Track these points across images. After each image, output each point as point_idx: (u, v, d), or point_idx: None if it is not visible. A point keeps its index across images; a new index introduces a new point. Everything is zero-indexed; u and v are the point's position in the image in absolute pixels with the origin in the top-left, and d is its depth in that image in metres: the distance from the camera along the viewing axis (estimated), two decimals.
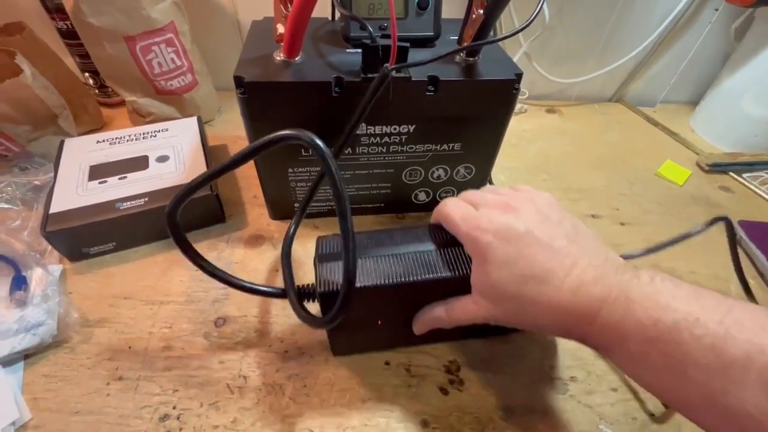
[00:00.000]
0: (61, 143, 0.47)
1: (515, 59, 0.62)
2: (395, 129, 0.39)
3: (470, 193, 0.31)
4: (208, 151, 0.48)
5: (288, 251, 0.37)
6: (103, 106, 0.62)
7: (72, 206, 0.39)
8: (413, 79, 0.35)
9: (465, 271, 0.28)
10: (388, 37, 0.33)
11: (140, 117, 0.55)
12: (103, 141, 0.48)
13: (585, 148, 0.61)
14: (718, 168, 0.57)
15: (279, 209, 0.46)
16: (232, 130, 0.60)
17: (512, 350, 0.36)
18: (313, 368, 0.34)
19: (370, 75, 0.34)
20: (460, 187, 0.46)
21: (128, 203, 0.40)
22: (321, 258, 0.31)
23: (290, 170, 0.41)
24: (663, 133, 0.65)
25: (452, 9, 0.61)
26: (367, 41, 0.33)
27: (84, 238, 0.40)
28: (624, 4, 0.60)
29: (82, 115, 0.56)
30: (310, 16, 0.32)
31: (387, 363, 0.34)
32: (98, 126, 0.58)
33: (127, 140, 0.48)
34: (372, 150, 0.40)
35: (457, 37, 0.41)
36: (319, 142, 0.24)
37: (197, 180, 0.27)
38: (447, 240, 0.30)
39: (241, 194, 0.50)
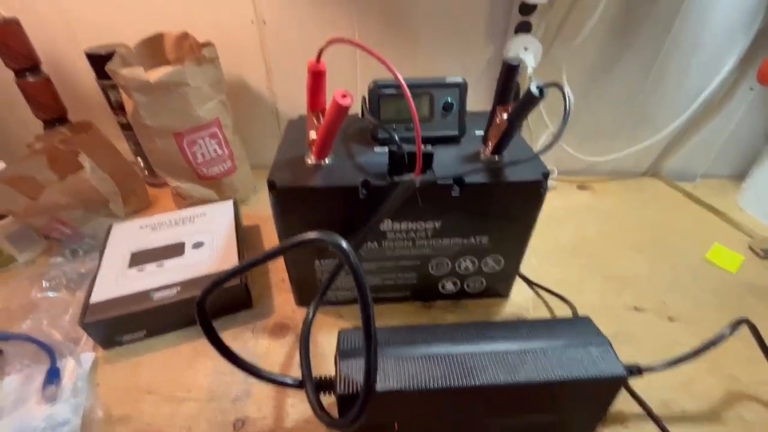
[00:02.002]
0: (109, 228, 0.51)
1: (542, 140, 0.63)
2: (421, 225, 0.39)
3: None
4: (241, 237, 0.49)
5: (306, 340, 0.36)
6: (151, 185, 0.67)
7: (110, 296, 0.41)
8: (439, 181, 0.35)
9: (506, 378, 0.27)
10: (414, 139, 0.35)
11: (182, 199, 0.59)
12: (146, 226, 0.51)
13: (623, 229, 0.58)
14: None
15: (305, 296, 0.46)
16: (266, 209, 0.61)
17: None
18: None
19: (396, 179, 0.35)
20: (488, 278, 0.44)
21: (162, 293, 0.42)
22: (342, 354, 0.30)
23: (317, 261, 0.42)
24: (707, 212, 0.62)
25: (478, 99, 0.63)
26: (394, 148, 0.35)
27: (118, 327, 0.41)
28: (651, 86, 0.60)
29: (131, 197, 0.61)
30: (340, 126, 0.34)
31: None
32: (144, 206, 0.63)
33: (168, 225, 0.51)
34: (397, 244, 0.40)
35: (482, 132, 0.42)
36: (345, 246, 0.24)
37: (226, 273, 0.28)
38: (481, 340, 0.30)
39: (269, 276, 0.51)
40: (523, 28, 0.53)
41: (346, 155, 0.39)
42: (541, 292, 0.48)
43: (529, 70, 0.52)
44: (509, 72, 0.34)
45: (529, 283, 0.48)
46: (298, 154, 0.39)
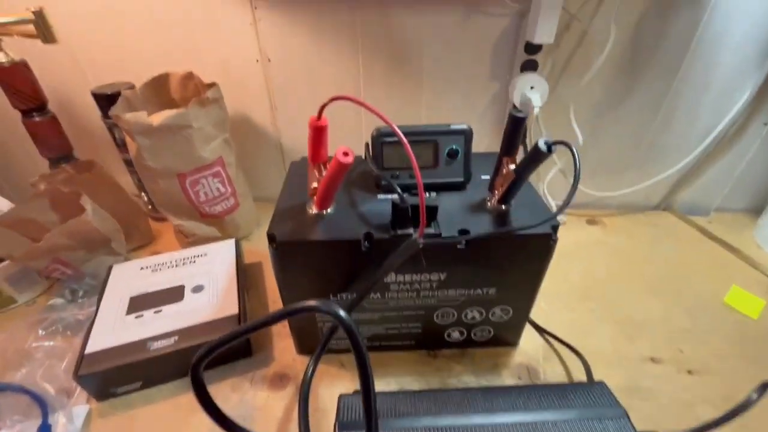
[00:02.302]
0: (109, 269, 0.50)
1: (549, 176, 0.61)
2: (425, 277, 0.37)
3: None
4: (242, 278, 0.48)
5: (305, 400, 0.36)
6: (154, 219, 0.66)
7: (106, 345, 0.40)
8: (443, 235, 0.34)
9: None
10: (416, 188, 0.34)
11: (184, 236, 0.58)
12: (146, 267, 0.50)
13: (635, 268, 0.56)
14: None
15: (306, 345, 0.44)
16: None
17: None
18: None
19: (400, 232, 0.34)
20: (496, 327, 0.43)
21: (159, 342, 0.40)
22: (342, 426, 0.29)
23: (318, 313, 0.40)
24: (723, 249, 0.60)
25: (484, 133, 0.62)
26: (397, 200, 0.34)
27: (113, 379, 0.40)
28: (661, 121, 0.59)
29: (134, 233, 0.60)
30: (341, 181, 0.33)
31: None
32: (147, 242, 0.62)
33: (168, 266, 0.50)
34: (401, 295, 0.39)
35: (488, 177, 0.41)
36: (344, 316, 0.24)
37: (220, 339, 0.27)
38: (491, 410, 0.28)
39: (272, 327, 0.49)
40: (529, 66, 0.53)
41: (349, 203, 0.39)
42: (552, 341, 0.46)
43: (536, 110, 0.51)
44: (516, 124, 0.33)
45: (539, 329, 0.47)
46: (299, 202, 0.39)
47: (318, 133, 0.32)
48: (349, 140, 0.60)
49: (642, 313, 0.50)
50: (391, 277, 0.37)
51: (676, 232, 0.64)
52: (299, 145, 0.66)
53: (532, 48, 0.51)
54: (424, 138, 0.38)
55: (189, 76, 0.54)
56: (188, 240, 0.58)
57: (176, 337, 0.41)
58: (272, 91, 0.60)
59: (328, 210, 0.37)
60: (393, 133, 0.38)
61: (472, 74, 0.57)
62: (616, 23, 0.49)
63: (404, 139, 0.28)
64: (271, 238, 0.35)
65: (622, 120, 0.59)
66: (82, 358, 0.39)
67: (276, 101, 0.61)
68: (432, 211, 0.33)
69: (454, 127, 0.39)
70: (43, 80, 0.56)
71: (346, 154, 0.30)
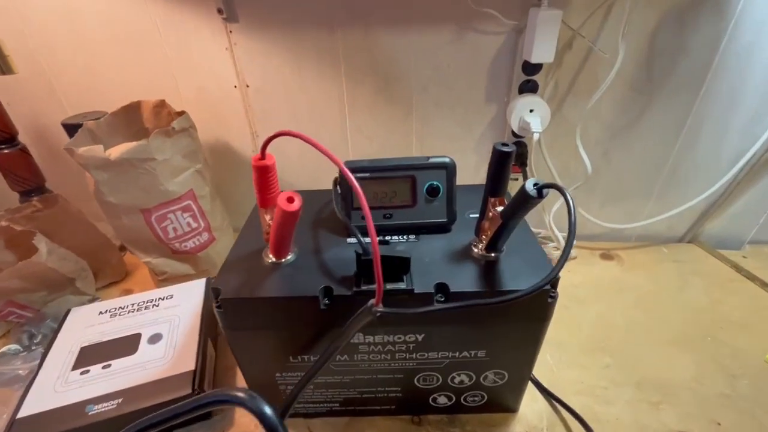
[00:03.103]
0: (66, 314, 0.46)
1: (555, 208, 0.55)
2: (399, 338, 0.31)
3: None
4: (206, 327, 0.43)
5: None
6: (131, 252, 0.63)
7: (42, 409, 0.35)
8: (416, 291, 0.28)
9: None
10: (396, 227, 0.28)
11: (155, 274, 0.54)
12: (105, 312, 0.46)
13: (659, 315, 0.49)
14: None
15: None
16: None
17: None
18: None
19: (364, 288, 0.28)
20: (490, 392, 0.36)
21: (100, 406, 0.36)
22: None
23: (278, 374, 0.35)
24: (763, 291, 0.51)
25: (481, 160, 0.57)
26: (359, 250, 0.28)
27: None
28: (684, 144, 0.52)
29: (105, 269, 0.56)
30: (293, 230, 0.28)
31: None
32: (119, 278, 0.58)
33: (129, 311, 0.46)
34: (373, 357, 0.33)
35: (477, 215, 0.35)
36: (269, 414, 0.21)
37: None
38: None
39: (236, 380, 0.44)
40: (528, 88, 0.47)
41: (313, 249, 0.33)
42: (559, 407, 0.39)
43: (536, 135, 0.45)
44: (502, 159, 0.28)
45: (543, 390, 0.40)
46: (256, 249, 0.34)
47: (262, 174, 0.27)
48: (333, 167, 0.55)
49: (667, 371, 0.42)
50: (358, 338, 0.31)
51: (705, 268, 0.56)
52: (282, 173, 0.61)
53: (530, 68, 0.46)
54: (398, 174, 0.33)
55: (161, 105, 0.51)
56: (160, 279, 0.53)
57: (120, 400, 0.36)
58: (252, 117, 0.56)
59: (288, 257, 0.32)
60: (363, 169, 0.33)
61: (466, 98, 0.52)
62: (625, 38, 0.43)
63: (354, 182, 0.23)
64: (216, 293, 0.30)
65: (637, 143, 0.53)
66: (11, 424, 0.34)
67: (257, 128, 0.57)
68: (403, 263, 0.28)
69: (433, 160, 0.33)
70: (19, 110, 0.54)
71: (290, 200, 0.25)
